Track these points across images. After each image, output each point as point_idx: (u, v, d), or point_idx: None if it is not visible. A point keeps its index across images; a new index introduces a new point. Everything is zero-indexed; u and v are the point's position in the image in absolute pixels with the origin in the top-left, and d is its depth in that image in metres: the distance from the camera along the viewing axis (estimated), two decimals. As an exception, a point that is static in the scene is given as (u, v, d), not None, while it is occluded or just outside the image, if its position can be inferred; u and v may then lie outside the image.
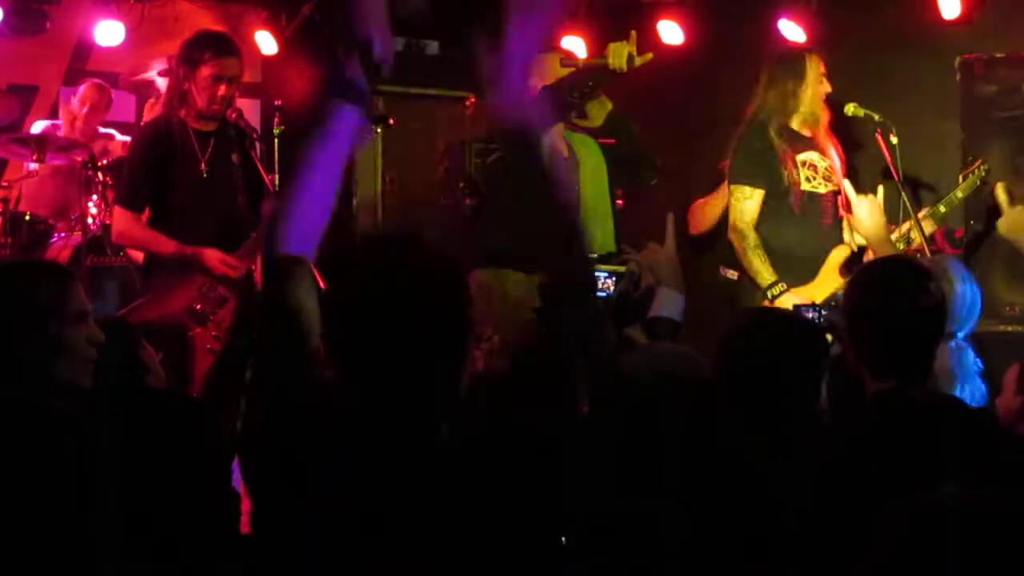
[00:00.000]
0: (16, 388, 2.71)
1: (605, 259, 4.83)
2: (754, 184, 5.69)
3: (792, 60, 5.79)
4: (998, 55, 6.50)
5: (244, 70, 5.61)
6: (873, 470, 2.62)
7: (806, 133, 5.74)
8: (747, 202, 5.69)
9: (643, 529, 2.73)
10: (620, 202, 6.73)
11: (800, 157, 5.69)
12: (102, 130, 7.56)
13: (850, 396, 2.94)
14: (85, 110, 7.43)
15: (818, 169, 5.72)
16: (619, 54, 5.34)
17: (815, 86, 5.71)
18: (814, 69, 5.70)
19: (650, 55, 5.46)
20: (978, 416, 2.96)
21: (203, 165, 5.37)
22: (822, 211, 5.71)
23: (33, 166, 7.11)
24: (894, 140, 5.66)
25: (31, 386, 2.72)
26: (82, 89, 7.51)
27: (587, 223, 5.74)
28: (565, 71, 5.65)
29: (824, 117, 5.76)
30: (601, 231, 5.79)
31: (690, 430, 2.49)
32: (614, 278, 3.06)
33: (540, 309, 4.41)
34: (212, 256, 5.27)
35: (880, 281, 3.00)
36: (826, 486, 2.65)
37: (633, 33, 5.41)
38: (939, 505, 1.61)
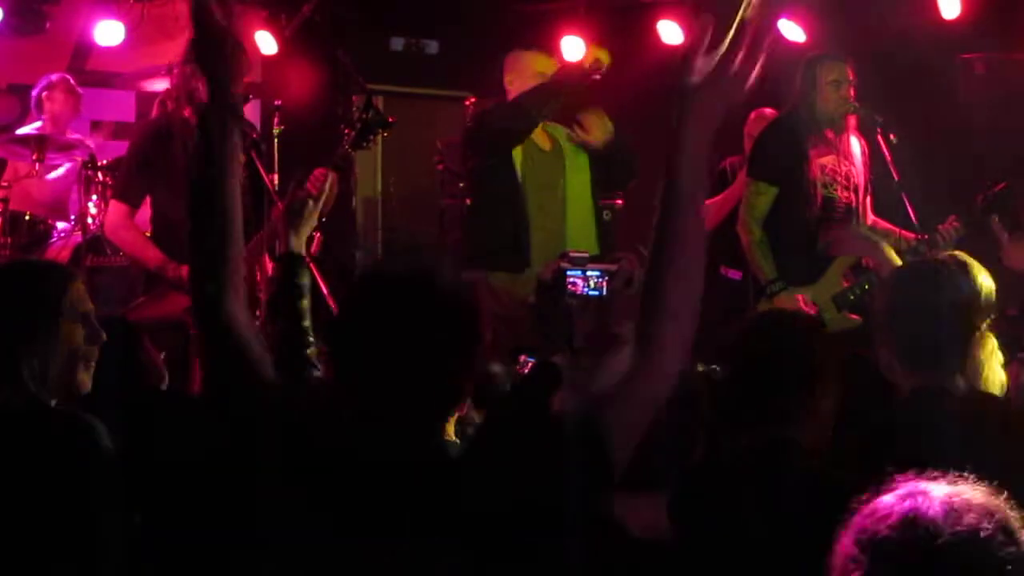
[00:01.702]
0: (17, 388, 2.72)
1: (597, 258, 4.86)
2: (770, 181, 5.69)
3: (807, 63, 5.76)
4: (998, 55, 6.51)
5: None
6: (904, 465, 2.62)
7: (829, 137, 5.72)
8: (760, 197, 5.68)
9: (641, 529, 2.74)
10: (619, 201, 6.74)
11: (821, 160, 5.68)
12: (73, 136, 7.50)
13: (874, 393, 2.96)
14: (53, 104, 7.39)
15: (837, 174, 5.70)
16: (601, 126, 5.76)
17: (830, 91, 5.66)
18: (828, 74, 5.66)
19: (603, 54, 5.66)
20: (1014, 412, 2.99)
21: None
22: (835, 215, 5.69)
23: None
24: (894, 140, 5.65)
25: (32, 386, 2.72)
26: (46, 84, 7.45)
27: (569, 222, 5.85)
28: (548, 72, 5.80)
29: (846, 122, 5.73)
30: (582, 232, 5.83)
31: (682, 429, 2.50)
32: (607, 277, 3.04)
33: (534, 307, 4.42)
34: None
35: (922, 276, 3.03)
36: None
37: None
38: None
